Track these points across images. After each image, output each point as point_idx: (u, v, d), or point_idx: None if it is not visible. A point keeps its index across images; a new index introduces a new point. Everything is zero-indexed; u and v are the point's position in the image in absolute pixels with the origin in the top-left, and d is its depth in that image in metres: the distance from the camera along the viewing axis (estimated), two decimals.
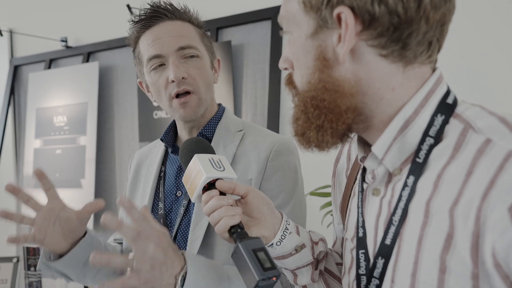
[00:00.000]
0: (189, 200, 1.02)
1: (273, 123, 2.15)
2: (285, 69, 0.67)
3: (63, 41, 2.86)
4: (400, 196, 0.58)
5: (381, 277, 0.60)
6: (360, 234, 0.65)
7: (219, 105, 1.14)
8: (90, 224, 2.41)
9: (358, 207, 0.68)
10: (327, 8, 0.56)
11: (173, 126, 1.13)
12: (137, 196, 1.12)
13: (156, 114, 2.49)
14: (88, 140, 2.67)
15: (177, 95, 1.01)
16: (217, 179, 0.74)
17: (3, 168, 3.07)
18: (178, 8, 1.05)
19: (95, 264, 0.67)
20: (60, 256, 0.92)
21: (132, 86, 2.61)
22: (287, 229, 0.76)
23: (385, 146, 0.59)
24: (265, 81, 2.22)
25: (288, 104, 2.12)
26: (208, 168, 0.74)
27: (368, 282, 0.62)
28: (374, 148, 0.60)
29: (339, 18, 0.55)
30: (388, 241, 0.59)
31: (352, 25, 0.54)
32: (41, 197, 0.90)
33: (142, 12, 1.04)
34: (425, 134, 0.57)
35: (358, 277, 0.65)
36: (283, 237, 0.75)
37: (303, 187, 1.07)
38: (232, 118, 1.11)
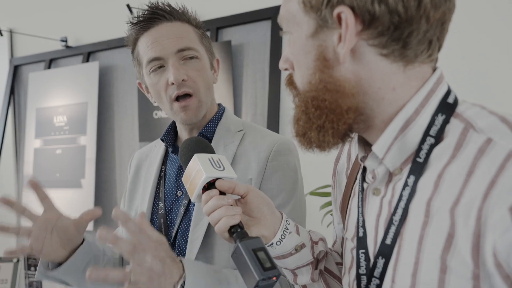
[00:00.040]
0: (190, 200, 1.02)
1: (273, 123, 2.14)
2: (286, 69, 0.67)
3: (63, 41, 2.86)
4: (401, 195, 0.58)
5: (382, 277, 0.60)
6: (360, 234, 0.65)
7: (219, 105, 1.14)
8: (90, 224, 2.41)
9: (358, 207, 0.68)
10: (327, 8, 0.56)
11: (173, 126, 1.13)
12: (137, 196, 1.12)
13: (156, 114, 2.49)
14: (88, 140, 2.67)
15: (178, 98, 1.01)
16: (217, 179, 0.74)
17: (3, 168, 3.07)
18: (176, 9, 1.04)
19: (92, 281, 0.67)
20: (59, 264, 0.92)
21: (132, 86, 2.61)
22: (287, 229, 0.75)
23: (385, 146, 0.59)
24: (265, 81, 2.22)
25: (288, 104, 2.12)
26: (208, 168, 0.73)
27: (369, 282, 0.62)
28: (374, 148, 0.60)
29: (339, 18, 0.55)
30: (388, 241, 0.59)
31: (353, 25, 0.54)
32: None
33: (140, 13, 1.03)
34: (426, 133, 0.57)
35: (358, 276, 0.64)
36: (283, 237, 0.75)
37: (302, 187, 1.07)
38: (232, 118, 1.11)
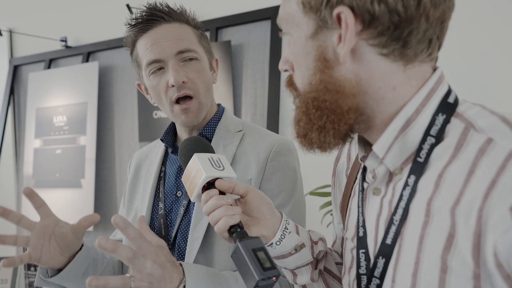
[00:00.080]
0: (189, 200, 1.02)
1: (273, 123, 2.14)
2: (285, 70, 0.66)
3: (62, 41, 2.86)
4: (401, 195, 0.58)
5: (382, 277, 0.60)
6: (361, 234, 0.65)
7: (219, 105, 1.14)
8: None
9: (358, 207, 0.67)
10: (326, 9, 0.56)
11: (173, 126, 1.13)
12: (137, 196, 1.12)
13: (156, 114, 2.49)
14: (88, 140, 2.67)
15: (178, 100, 1.01)
16: (216, 178, 0.74)
17: (3, 168, 3.07)
18: (175, 9, 1.03)
19: None
20: (59, 270, 0.91)
21: (132, 86, 2.61)
22: (287, 229, 0.75)
23: (386, 146, 0.59)
24: (264, 81, 2.22)
25: (287, 104, 2.12)
26: (208, 168, 0.73)
27: (369, 281, 0.62)
28: (375, 147, 0.60)
29: (339, 18, 0.55)
30: (389, 241, 0.59)
31: (352, 25, 0.54)
32: (44, 197, 0.89)
33: (139, 14, 1.02)
34: (426, 133, 0.57)
35: (358, 276, 0.64)
36: (282, 237, 0.75)
37: (302, 187, 1.06)
38: (232, 118, 1.11)
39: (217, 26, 2.33)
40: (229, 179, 0.75)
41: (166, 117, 2.44)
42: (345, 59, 0.56)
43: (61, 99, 2.81)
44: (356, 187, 0.71)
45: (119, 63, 2.70)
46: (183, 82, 0.99)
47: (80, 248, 0.93)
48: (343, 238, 0.84)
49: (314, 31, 0.58)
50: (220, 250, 0.96)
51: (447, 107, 0.58)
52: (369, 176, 0.65)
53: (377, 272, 0.60)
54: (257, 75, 2.24)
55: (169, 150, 1.11)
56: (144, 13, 1.02)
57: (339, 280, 0.82)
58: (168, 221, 1.03)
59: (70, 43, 2.88)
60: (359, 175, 0.70)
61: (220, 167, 0.75)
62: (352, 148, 0.79)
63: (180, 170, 1.07)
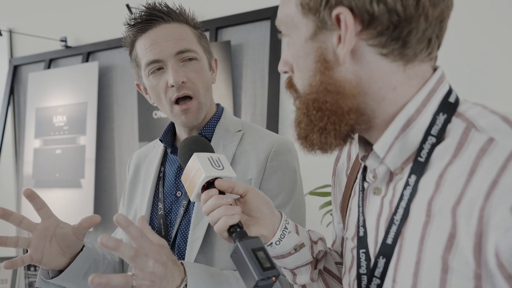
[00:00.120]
0: (189, 201, 1.01)
1: (273, 123, 2.14)
2: (285, 72, 0.66)
3: (62, 41, 2.86)
4: (402, 195, 0.58)
5: (382, 277, 0.59)
6: (361, 234, 0.65)
7: (218, 105, 1.13)
8: None
9: (359, 206, 0.67)
10: (325, 10, 0.56)
11: (172, 126, 1.13)
12: (136, 196, 1.12)
13: (155, 114, 2.49)
14: (88, 140, 2.67)
15: (177, 101, 1.01)
16: (216, 178, 0.74)
17: (3, 168, 3.07)
18: (174, 9, 1.03)
19: (94, 286, 0.67)
20: (60, 271, 0.91)
21: (131, 86, 2.61)
22: (286, 228, 0.75)
23: (386, 145, 0.59)
24: (264, 81, 2.22)
25: (287, 104, 2.12)
26: (207, 167, 0.73)
27: (369, 281, 0.62)
28: (375, 147, 0.60)
29: (338, 19, 0.55)
30: (389, 241, 0.59)
31: (352, 26, 0.54)
32: (44, 197, 0.89)
33: (138, 14, 1.02)
34: (427, 133, 0.57)
35: (358, 276, 0.64)
36: (282, 237, 0.74)
37: (302, 187, 1.06)
38: (231, 118, 1.11)
39: (216, 26, 2.33)
40: (228, 179, 0.75)
41: (166, 117, 2.43)
42: (345, 59, 0.56)
43: (61, 99, 2.81)
44: (356, 186, 0.71)
45: (119, 63, 2.70)
46: (182, 82, 0.99)
47: (81, 249, 0.93)
48: (343, 238, 0.84)
49: (314, 33, 0.58)
50: (221, 250, 0.95)
51: (448, 107, 0.58)
52: (369, 176, 0.65)
53: (377, 272, 0.60)
54: (256, 75, 2.24)
55: (168, 151, 1.11)
56: (143, 13, 1.01)
57: (339, 280, 0.82)
58: (168, 221, 1.03)
59: (70, 43, 2.87)
60: (359, 175, 0.70)
61: (219, 166, 0.75)
62: (352, 148, 0.79)
63: (180, 170, 1.06)
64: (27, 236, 0.87)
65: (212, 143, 1.03)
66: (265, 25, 2.23)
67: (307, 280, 0.80)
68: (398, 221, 0.58)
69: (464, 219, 0.50)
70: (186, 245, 0.98)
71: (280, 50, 2.16)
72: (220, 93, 2.22)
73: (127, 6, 2.40)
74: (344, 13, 0.54)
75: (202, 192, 0.74)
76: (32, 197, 0.86)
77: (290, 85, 0.66)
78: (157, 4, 1.03)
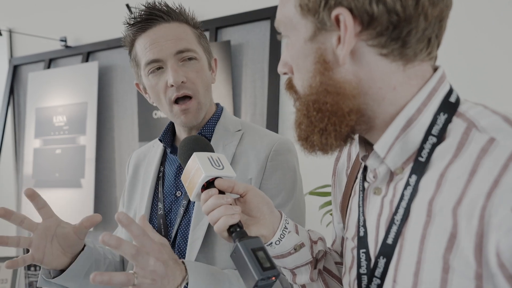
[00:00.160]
0: (189, 200, 1.01)
1: (272, 123, 2.14)
2: (285, 73, 0.66)
3: (62, 40, 2.86)
4: (402, 195, 0.58)
5: (383, 277, 0.59)
6: (361, 233, 0.65)
7: (217, 104, 1.13)
8: None
9: (359, 206, 0.67)
10: (324, 11, 0.56)
11: (172, 126, 1.12)
12: (136, 196, 1.12)
13: (155, 114, 2.49)
14: (88, 140, 2.67)
15: (177, 100, 1.01)
16: (216, 178, 0.74)
17: (3, 168, 3.07)
18: (174, 9, 1.03)
19: (96, 284, 0.67)
20: (61, 271, 0.91)
21: (131, 86, 2.61)
22: (286, 228, 0.75)
23: (387, 145, 0.59)
24: (264, 81, 2.22)
25: (287, 104, 2.12)
26: (207, 167, 0.73)
27: (369, 281, 0.62)
28: (376, 147, 0.60)
29: (337, 20, 0.55)
30: (389, 241, 0.58)
31: (351, 26, 0.54)
32: (44, 197, 0.89)
33: (137, 13, 1.02)
34: (428, 132, 0.57)
35: (359, 276, 0.64)
36: (282, 236, 0.74)
37: (302, 187, 1.06)
38: (231, 118, 1.11)
39: (216, 26, 2.33)
40: (228, 179, 0.75)
41: (165, 117, 2.43)
42: (344, 60, 0.56)
43: (61, 99, 2.81)
44: (357, 186, 0.71)
45: (119, 63, 2.70)
46: (182, 82, 0.99)
47: (82, 249, 0.93)
48: (342, 238, 0.84)
49: (313, 34, 0.58)
50: (221, 250, 0.95)
51: (449, 107, 0.58)
52: (369, 176, 0.64)
53: (377, 272, 0.60)
54: (256, 75, 2.24)
55: (168, 150, 1.11)
56: (143, 13, 1.01)
57: (339, 279, 0.82)
58: (168, 221, 1.03)
59: (69, 43, 2.87)
60: (359, 175, 0.70)
61: (219, 166, 0.75)
62: (353, 148, 0.79)
63: (179, 170, 1.06)
64: (28, 235, 0.87)
65: (211, 143, 1.03)
66: (265, 25, 2.23)
67: (306, 280, 0.79)
68: (399, 221, 0.58)
69: (465, 219, 0.50)
70: (186, 245, 0.97)
71: (280, 50, 2.16)
72: (220, 93, 2.22)
73: (127, 6, 2.40)
74: (343, 13, 0.54)
75: (202, 191, 0.74)
76: (33, 197, 0.86)
77: (290, 86, 0.66)
78: (157, 3, 1.03)
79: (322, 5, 0.56)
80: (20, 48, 3.13)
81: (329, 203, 1.62)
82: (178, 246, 0.99)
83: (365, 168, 0.66)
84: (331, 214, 0.98)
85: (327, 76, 0.58)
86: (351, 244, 0.70)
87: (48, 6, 2.98)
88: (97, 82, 2.68)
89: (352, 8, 0.54)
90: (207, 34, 2.30)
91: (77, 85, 2.75)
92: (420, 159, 0.57)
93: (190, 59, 1.01)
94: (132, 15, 1.03)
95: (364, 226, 0.65)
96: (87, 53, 2.79)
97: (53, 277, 0.92)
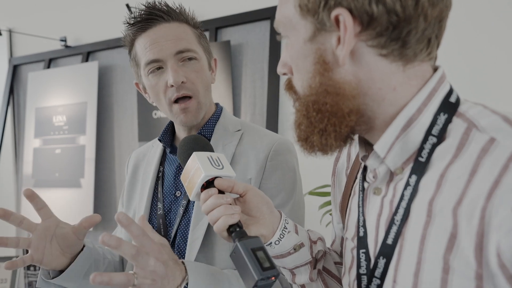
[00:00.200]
0: (189, 200, 1.01)
1: (272, 123, 2.14)
2: (284, 74, 0.66)
3: (62, 40, 2.86)
4: (402, 195, 0.58)
5: (383, 277, 0.59)
6: (361, 234, 0.65)
7: (217, 104, 1.13)
8: None
9: (359, 206, 0.67)
10: (324, 11, 0.55)
11: (171, 126, 1.12)
12: (135, 196, 1.12)
13: (155, 114, 2.49)
14: (88, 140, 2.67)
15: (177, 100, 1.00)
16: (215, 177, 0.74)
17: (2, 167, 3.06)
18: (174, 9, 1.03)
19: (96, 284, 0.67)
20: (60, 271, 0.91)
21: (131, 86, 2.61)
22: (286, 228, 0.75)
23: (387, 145, 0.59)
24: (264, 81, 2.22)
25: (287, 104, 2.12)
26: (207, 166, 0.73)
27: (369, 282, 0.61)
28: (376, 147, 0.60)
29: (337, 20, 0.55)
30: (389, 241, 0.58)
31: (351, 27, 0.54)
32: (43, 196, 0.89)
33: (137, 13, 1.02)
34: (428, 133, 0.57)
35: (358, 276, 0.64)
36: (281, 236, 0.74)
37: (301, 187, 1.06)
38: (230, 117, 1.11)
39: (216, 26, 2.33)
40: (228, 178, 0.75)
41: (165, 117, 2.43)
42: (344, 61, 0.56)
43: (61, 99, 2.81)
44: (356, 186, 0.71)
45: (119, 63, 2.70)
46: (182, 82, 0.99)
47: (82, 249, 0.93)
48: (342, 238, 0.83)
49: (312, 34, 0.58)
50: (221, 250, 0.95)
51: (449, 107, 0.58)
52: (369, 176, 0.64)
53: (377, 272, 0.60)
54: (256, 75, 2.24)
55: (167, 150, 1.11)
56: (143, 12, 1.01)
57: (338, 279, 0.82)
58: (167, 221, 1.03)
59: (69, 42, 2.87)
60: (359, 175, 0.70)
61: (219, 166, 0.75)
62: (352, 148, 0.79)
63: (179, 170, 1.06)
64: (27, 236, 0.87)
65: (211, 143, 1.03)
66: (265, 25, 2.23)
67: (306, 280, 0.79)
68: (399, 221, 0.58)
69: (465, 219, 0.50)
70: (186, 245, 0.97)
71: (280, 50, 2.16)
72: (220, 93, 2.22)
73: (127, 6, 2.40)
74: (343, 14, 0.54)
75: (201, 191, 0.74)
76: (32, 197, 0.86)
77: (290, 87, 0.66)
78: (157, 3, 1.02)
79: (321, 6, 0.55)
80: (20, 48, 3.13)
81: (328, 203, 1.62)
82: (178, 246, 0.99)
83: (365, 168, 0.66)
84: (330, 214, 0.98)
85: (327, 76, 0.58)
86: (350, 244, 0.70)
87: (48, 6, 2.98)
88: (97, 82, 2.68)
89: (352, 9, 0.54)
90: (207, 34, 2.30)
91: (77, 85, 2.75)
92: (420, 159, 0.57)
93: (190, 59, 1.01)
94: (132, 15, 1.03)
95: (364, 226, 0.65)
96: (87, 53, 2.79)
97: (52, 278, 0.92)
